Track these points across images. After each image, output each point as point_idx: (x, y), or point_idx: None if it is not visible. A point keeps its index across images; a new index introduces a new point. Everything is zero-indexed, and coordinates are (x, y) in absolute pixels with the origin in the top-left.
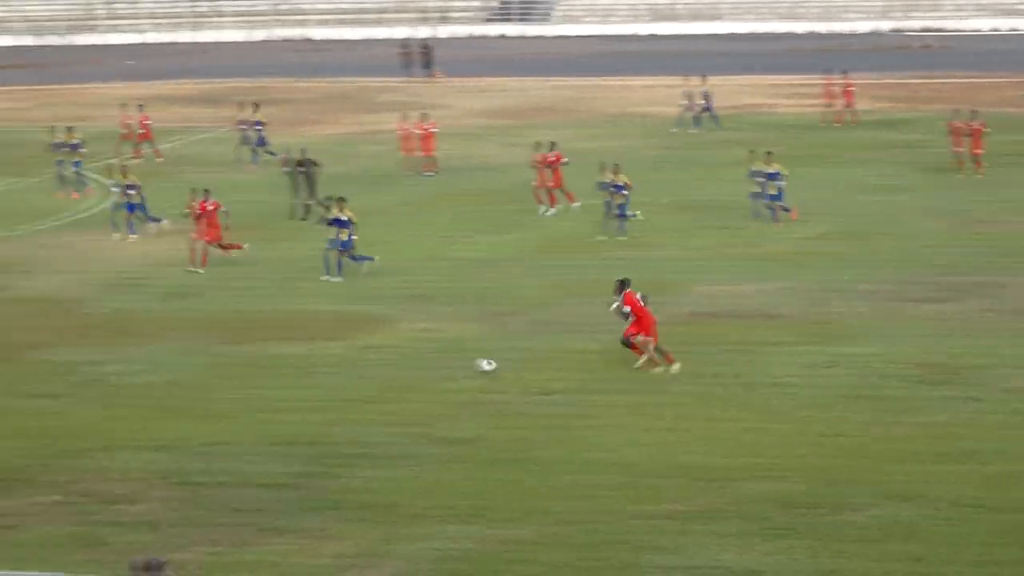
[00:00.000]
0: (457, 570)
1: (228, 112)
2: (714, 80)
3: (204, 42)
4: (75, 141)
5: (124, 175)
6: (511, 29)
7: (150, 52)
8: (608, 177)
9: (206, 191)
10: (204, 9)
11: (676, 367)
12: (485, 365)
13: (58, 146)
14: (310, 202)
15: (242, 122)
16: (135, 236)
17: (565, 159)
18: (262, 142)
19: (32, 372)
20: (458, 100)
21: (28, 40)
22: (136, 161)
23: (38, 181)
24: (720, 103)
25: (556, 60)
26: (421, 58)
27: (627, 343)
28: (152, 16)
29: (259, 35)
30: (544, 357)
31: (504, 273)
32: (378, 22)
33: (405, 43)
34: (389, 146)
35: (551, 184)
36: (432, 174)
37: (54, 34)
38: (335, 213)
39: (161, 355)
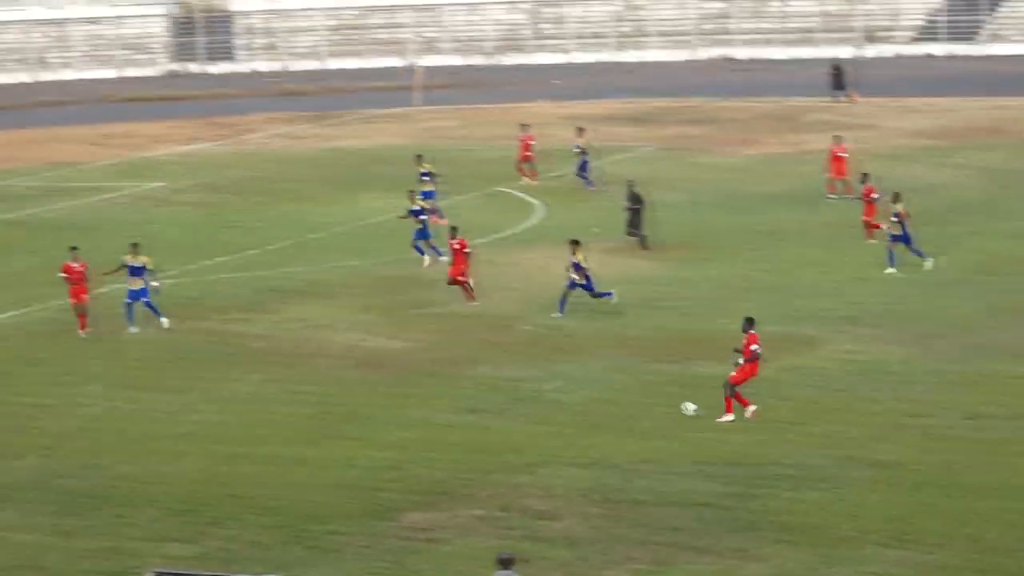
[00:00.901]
0: None
1: (652, 132)
2: None
3: (628, 62)
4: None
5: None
6: (938, 48)
7: (575, 71)
8: None
9: None
10: (628, 29)
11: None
12: (690, 409)
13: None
14: (637, 231)
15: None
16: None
17: (875, 194)
18: (584, 167)
19: (467, 387)
20: (887, 120)
21: (456, 60)
22: (532, 182)
23: (471, 198)
24: None
25: (985, 79)
26: (833, 79)
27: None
28: (578, 36)
29: (682, 55)
30: (973, 381)
31: (933, 293)
32: (804, 42)
33: (834, 63)
34: (814, 166)
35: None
36: (835, 197)
37: (481, 54)
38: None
39: (591, 372)
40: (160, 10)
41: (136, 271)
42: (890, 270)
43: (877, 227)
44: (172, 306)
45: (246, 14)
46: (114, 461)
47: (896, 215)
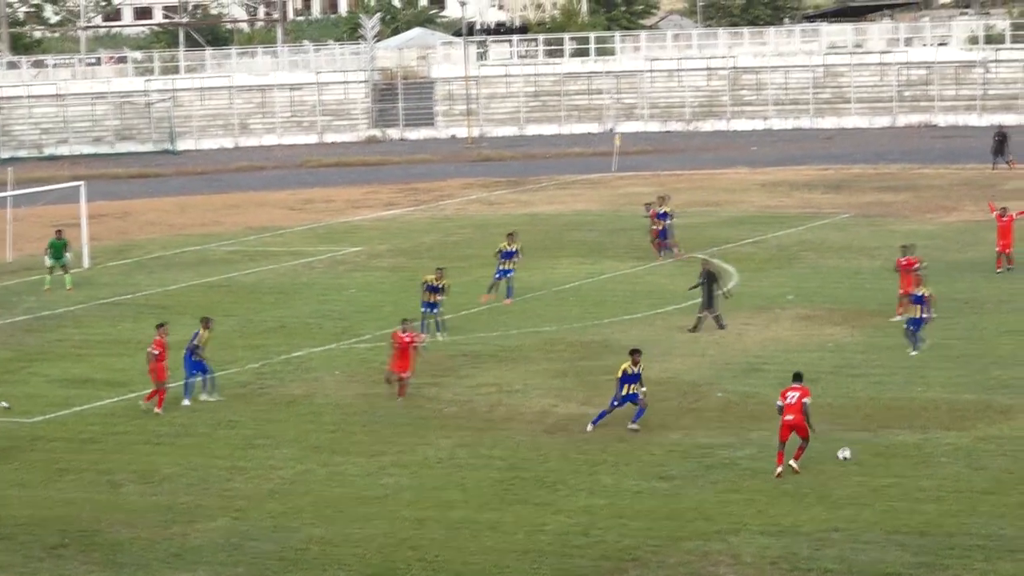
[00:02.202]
0: None
1: (849, 198)
2: None
3: (826, 128)
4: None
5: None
6: None
7: (773, 138)
8: None
9: None
10: (827, 95)
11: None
12: (846, 454)
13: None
14: (704, 314)
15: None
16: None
17: (921, 264)
18: (665, 234)
19: (658, 454)
20: None
21: (654, 126)
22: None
23: (667, 263)
24: None
25: None
26: (996, 145)
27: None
28: (776, 103)
29: (882, 121)
30: None
31: None
32: (1006, 108)
33: (998, 130)
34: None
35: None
36: (1000, 270)
37: (679, 120)
38: None
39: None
40: (361, 76)
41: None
42: None
43: None
44: (367, 370)
45: (446, 80)
46: (305, 524)
47: None
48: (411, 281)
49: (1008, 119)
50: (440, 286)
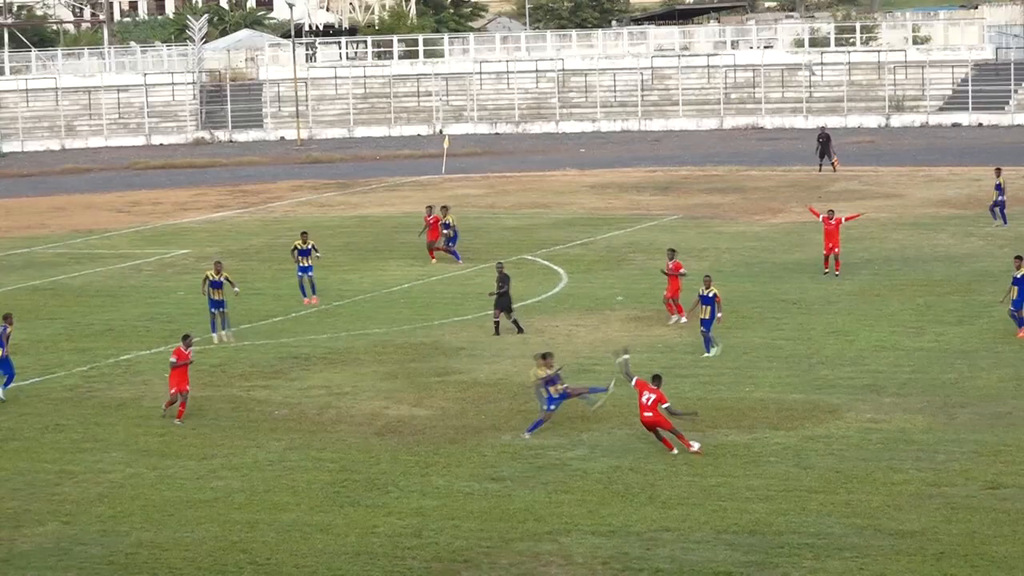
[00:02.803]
0: None
1: (677, 200)
2: None
3: (654, 130)
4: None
5: None
6: (965, 118)
7: (601, 140)
8: None
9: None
10: (655, 98)
11: None
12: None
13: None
14: (500, 317)
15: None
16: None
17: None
18: (454, 241)
19: (489, 455)
20: (913, 190)
21: (483, 128)
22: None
23: (492, 267)
24: None
25: (1013, 149)
26: (820, 147)
27: None
28: (604, 105)
29: (709, 124)
30: (995, 450)
31: (956, 364)
32: (832, 111)
33: (821, 131)
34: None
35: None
36: (827, 272)
37: (508, 122)
38: None
39: (614, 440)
40: (189, 78)
41: None
42: None
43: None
44: (197, 372)
45: (274, 82)
46: (135, 528)
47: None
48: (241, 284)
49: (833, 121)
50: (221, 281)
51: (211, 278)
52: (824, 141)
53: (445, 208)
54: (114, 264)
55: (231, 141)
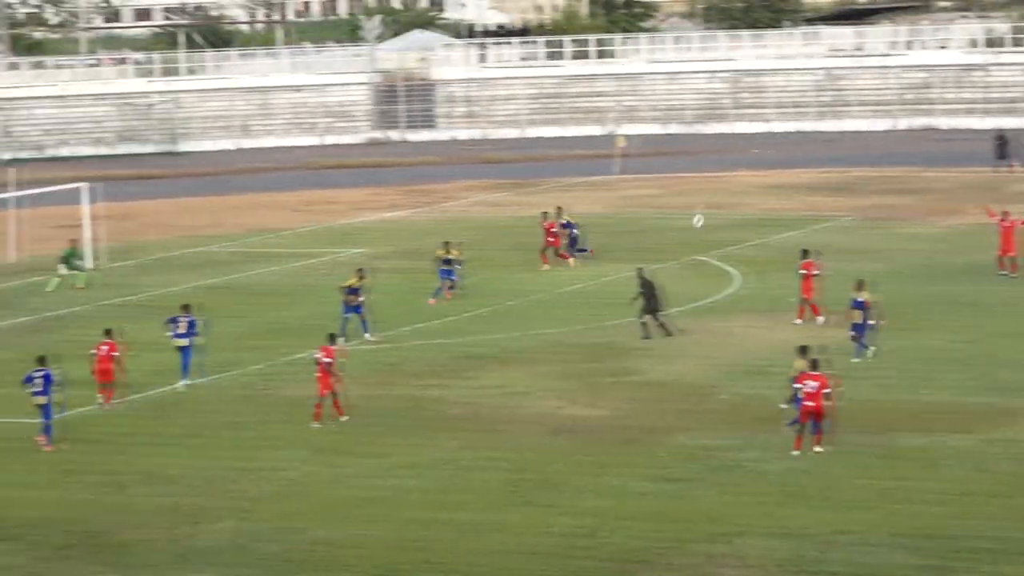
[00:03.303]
0: None
1: (852, 201)
2: None
3: (829, 131)
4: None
5: None
6: None
7: (775, 140)
8: None
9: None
10: (828, 98)
11: None
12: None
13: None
14: (646, 318)
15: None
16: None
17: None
18: (574, 242)
19: (663, 456)
20: None
21: (656, 128)
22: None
23: (670, 266)
24: None
25: None
26: (997, 149)
27: None
28: (778, 105)
29: (884, 124)
30: None
31: None
32: (1007, 112)
33: (998, 133)
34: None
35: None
36: (1003, 272)
37: (681, 123)
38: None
39: (788, 442)
40: (363, 78)
41: None
42: None
43: None
44: (371, 372)
45: (447, 82)
46: (311, 525)
47: None
48: (414, 283)
49: (1009, 122)
50: (358, 288)
51: (352, 285)
52: (1001, 143)
53: (559, 209)
54: (289, 263)
55: (404, 141)
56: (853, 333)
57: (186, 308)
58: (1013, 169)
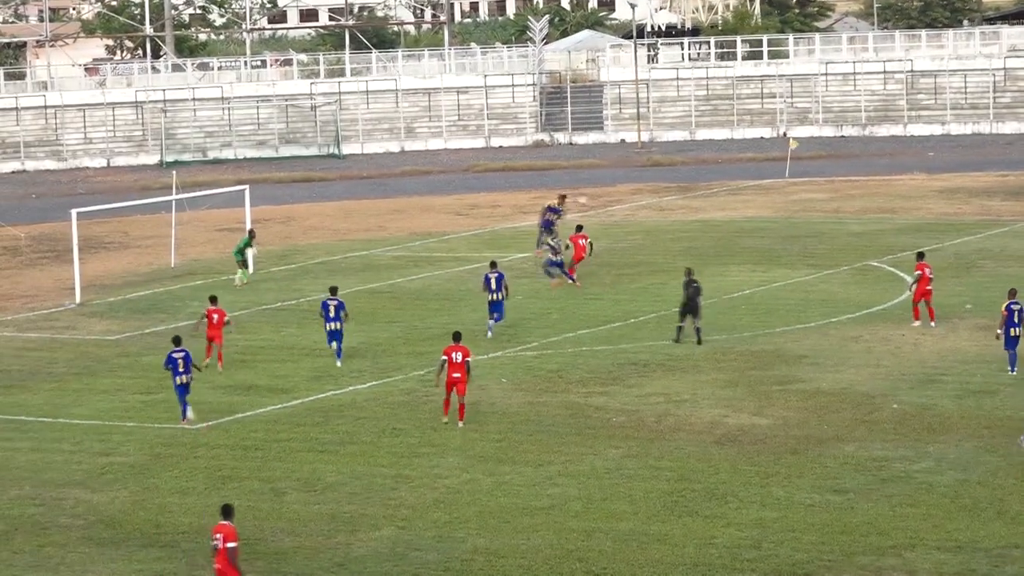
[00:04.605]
0: None
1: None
2: None
3: (1006, 133)
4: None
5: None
6: None
7: (951, 143)
8: None
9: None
10: (1007, 100)
11: None
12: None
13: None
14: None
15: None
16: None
17: None
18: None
19: (832, 466)
20: None
21: (828, 131)
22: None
23: (841, 272)
24: None
25: None
26: None
27: None
28: (955, 107)
29: None
30: None
31: None
32: None
33: None
34: None
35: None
36: None
37: (854, 125)
38: None
39: (962, 453)
40: (529, 79)
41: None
42: None
43: None
44: (533, 378)
45: (615, 84)
46: (470, 534)
47: None
48: (581, 288)
49: None
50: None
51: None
52: None
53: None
54: (452, 267)
55: (571, 143)
56: (1006, 348)
57: (334, 291)
58: None
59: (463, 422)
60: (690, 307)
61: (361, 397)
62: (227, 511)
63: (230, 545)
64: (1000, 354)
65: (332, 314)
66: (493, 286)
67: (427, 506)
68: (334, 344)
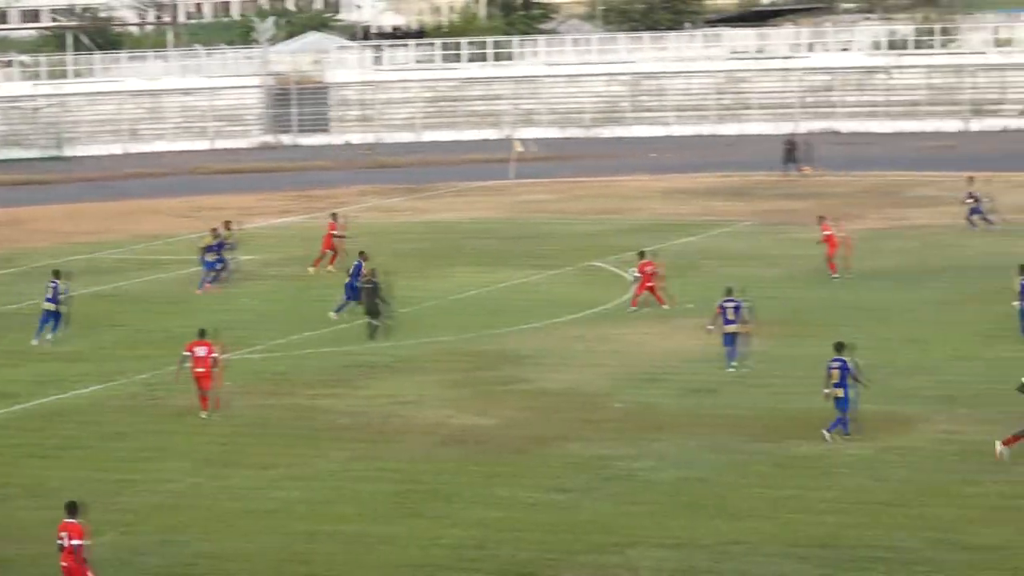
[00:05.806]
0: None
1: (751, 206)
2: None
3: (728, 135)
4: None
5: None
6: None
7: (674, 144)
8: None
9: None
10: (728, 101)
11: None
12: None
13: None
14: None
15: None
16: None
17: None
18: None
19: (555, 466)
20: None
21: (553, 132)
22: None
23: (564, 272)
24: None
25: None
26: (785, 153)
27: None
28: (677, 109)
29: (785, 127)
30: None
31: None
32: (908, 115)
33: (788, 138)
34: (916, 242)
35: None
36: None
37: (579, 127)
38: None
39: (683, 451)
40: (255, 81)
41: None
42: None
43: None
44: (260, 381)
45: (341, 85)
46: (195, 538)
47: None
48: (307, 290)
49: (910, 125)
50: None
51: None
52: (790, 148)
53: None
54: (177, 270)
55: (297, 145)
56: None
57: (56, 274)
58: (803, 172)
59: (206, 412)
60: (370, 308)
61: (85, 401)
62: (72, 508)
63: (76, 543)
64: (721, 352)
65: (50, 295)
66: None
67: (151, 510)
68: (50, 323)
